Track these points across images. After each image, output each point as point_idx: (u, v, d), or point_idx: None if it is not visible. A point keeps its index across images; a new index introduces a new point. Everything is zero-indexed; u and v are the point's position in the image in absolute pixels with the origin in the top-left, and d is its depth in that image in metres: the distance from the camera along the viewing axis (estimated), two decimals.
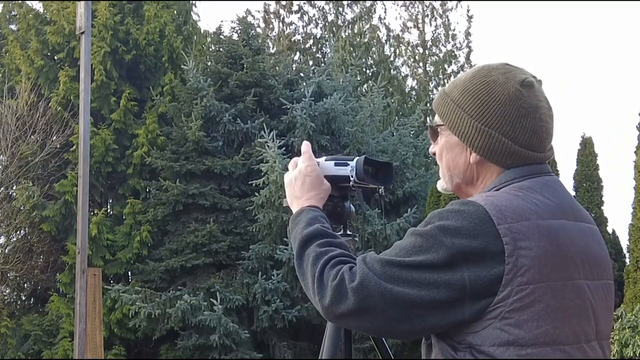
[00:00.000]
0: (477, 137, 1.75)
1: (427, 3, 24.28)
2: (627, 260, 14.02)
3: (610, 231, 14.83)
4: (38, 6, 17.07)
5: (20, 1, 16.82)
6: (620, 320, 11.28)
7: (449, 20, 24.21)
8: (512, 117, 1.74)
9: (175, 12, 16.61)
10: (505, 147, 1.74)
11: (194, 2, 18.45)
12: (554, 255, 1.63)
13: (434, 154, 1.90)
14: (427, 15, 24.29)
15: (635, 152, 12.62)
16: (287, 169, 2.15)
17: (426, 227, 1.65)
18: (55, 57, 15.84)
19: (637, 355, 10.70)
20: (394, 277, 1.62)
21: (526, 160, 1.75)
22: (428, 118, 22.82)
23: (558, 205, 1.71)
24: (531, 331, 1.58)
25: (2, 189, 15.14)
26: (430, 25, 24.29)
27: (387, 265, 1.64)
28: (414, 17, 24.32)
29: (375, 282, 1.62)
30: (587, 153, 14.60)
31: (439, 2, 24.22)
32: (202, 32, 17.81)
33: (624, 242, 14.64)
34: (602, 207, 14.45)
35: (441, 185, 1.90)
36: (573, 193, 14.70)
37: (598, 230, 1.82)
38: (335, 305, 1.66)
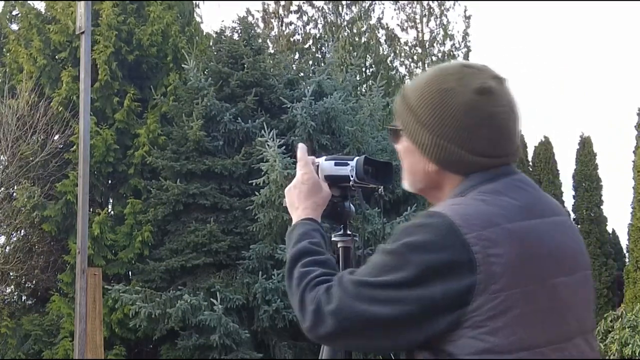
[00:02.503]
0: (433, 149, 1.73)
1: (424, 3, 24.28)
2: (627, 260, 14.03)
3: (610, 231, 14.85)
4: (40, 6, 17.09)
5: (22, 0, 16.83)
6: (620, 319, 11.29)
7: (447, 20, 24.23)
8: (467, 128, 1.69)
9: (178, 13, 16.60)
10: (462, 159, 1.71)
11: (196, 2, 18.45)
12: (524, 260, 1.60)
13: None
14: (425, 16, 24.30)
15: (634, 152, 12.64)
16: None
17: (394, 244, 1.63)
18: (57, 57, 15.84)
19: (637, 354, 10.71)
20: (367, 297, 1.62)
21: (483, 166, 1.71)
22: None
23: (525, 206, 1.68)
24: (507, 338, 1.56)
25: (2, 189, 15.14)
26: (428, 25, 24.30)
27: (360, 286, 1.64)
28: (411, 17, 24.32)
29: (350, 304, 1.63)
30: (586, 152, 14.62)
31: (437, 2, 24.22)
32: (204, 33, 17.81)
33: (624, 242, 14.65)
34: (601, 207, 14.47)
35: (406, 185, 1.89)
36: (572, 193, 14.72)
37: (571, 221, 1.79)
38: (316, 328, 1.67)
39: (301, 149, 2.10)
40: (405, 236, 1.63)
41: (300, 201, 2.01)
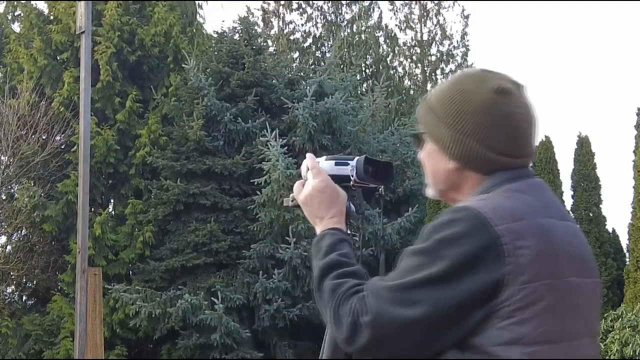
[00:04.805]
0: (453, 145, 1.77)
1: (423, 3, 24.28)
2: (627, 260, 14.02)
3: (610, 230, 14.83)
4: (43, 6, 17.10)
5: (23, 1, 16.84)
6: (620, 319, 11.29)
7: (445, 20, 24.23)
8: (486, 125, 1.74)
9: (180, 14, 16.58)
10: (481, 155, 1.75)
11: (199, 3, 18.44)
12: (549, 254, 1.65)
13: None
14: (424, 15, 24.29)
15: (634, 151, 12.62)
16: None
17: (425, 243, 1.66)
18: (58, 57, 15.85)
19: (637, 354, 10.71)
20: (403, 301, 1.63)
21: (504, 166, 1.76)
22: None
23: (545, 206, 1.74)
24: (535, 329, 1.60)
25: (3, 188, 15.14)
26: (426, 25, 24.29)
27: (394, 291, 1.64)
28: (409, 17, 24.31)
29: (385, 310, 1.63)
30: (584, 152, 14.59)
31: (434, 2, 24.22)
32: (206, 34, 17.80)
33: (624, 241, 14.64)
34: (600, 207, 14.44)
35: (428, 191, 1.93)
36: (571, 192, 14.72)
37: (580, 230, 1.85)
38: (353, 340, 1.68)
39: (310, 157, 2.10)
40: (435, 234, 1.65)
41: (323, 210, 1.99)
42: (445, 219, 1.66)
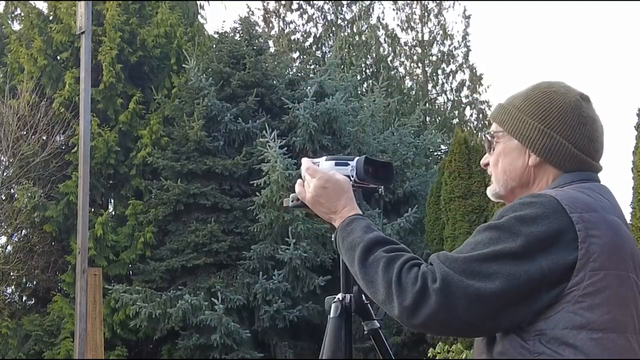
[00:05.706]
0: (539, 138, 1.84)
1: (424, 3, 24.27)
2: None
3: None
4: (43, 6, 17.08)
5: (23, 0, 16.83)
6: None
7: (445, 20, 24.23)
8: (572, 123, 1.84)
9: (181, 14, 16.55)
10: (566, 150, 1.84)
11: (201, 4, 18.42)
12: (617, 247, 1.72)
13: (487, 164, 1.97)
14: (425, 15, 24.28)
15: (633, 152, 12.61)
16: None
17: (500, 220, 1.70)
18: (59, 57, 15.82)
19: None
20: (475, 272, 1.65)
21: (583, 165, 1.85)
22: (428, 118, 22.86)
23: (613, 206, 1.82)
24: (602, 316, 1.65)
25: (3, 189, 15.13)
26: (427, 25, 24.29)
27: (467, 262, 1.66)
28: (410, 17, 24.31)
29: (457, 279, 1.65)
30: None
31: (435, 2, 24.21)
32: (207, 35, 17.78)
33: None
34: None
35: (493, 190, 1.96)
36: None
37: None
38: (417, 308, 1.66)
39: (305, 160, 2.14)
40: (512, 212, 1.70)
41: (333, 203, 2.01)
42: (523, 201, 1.72)
